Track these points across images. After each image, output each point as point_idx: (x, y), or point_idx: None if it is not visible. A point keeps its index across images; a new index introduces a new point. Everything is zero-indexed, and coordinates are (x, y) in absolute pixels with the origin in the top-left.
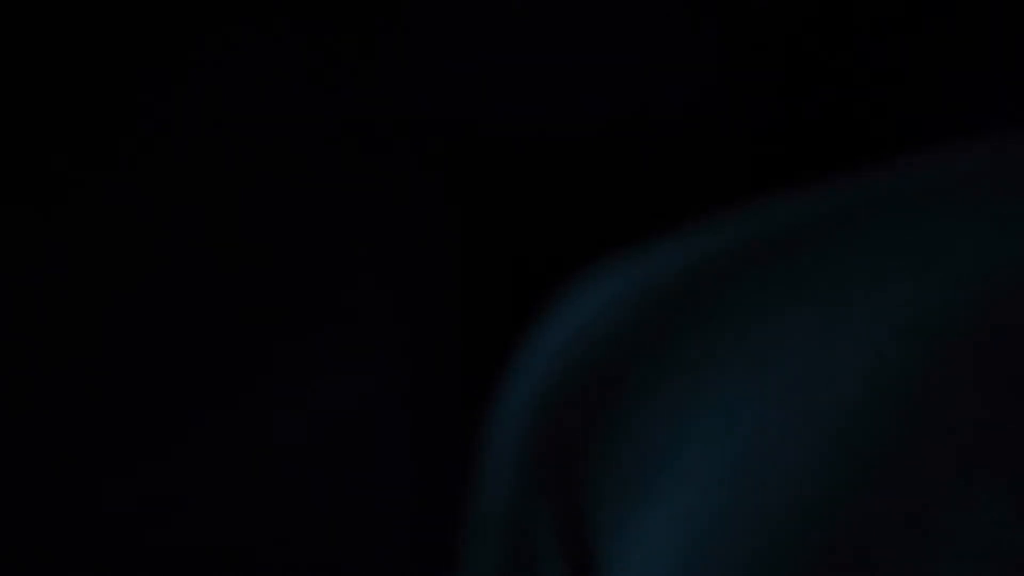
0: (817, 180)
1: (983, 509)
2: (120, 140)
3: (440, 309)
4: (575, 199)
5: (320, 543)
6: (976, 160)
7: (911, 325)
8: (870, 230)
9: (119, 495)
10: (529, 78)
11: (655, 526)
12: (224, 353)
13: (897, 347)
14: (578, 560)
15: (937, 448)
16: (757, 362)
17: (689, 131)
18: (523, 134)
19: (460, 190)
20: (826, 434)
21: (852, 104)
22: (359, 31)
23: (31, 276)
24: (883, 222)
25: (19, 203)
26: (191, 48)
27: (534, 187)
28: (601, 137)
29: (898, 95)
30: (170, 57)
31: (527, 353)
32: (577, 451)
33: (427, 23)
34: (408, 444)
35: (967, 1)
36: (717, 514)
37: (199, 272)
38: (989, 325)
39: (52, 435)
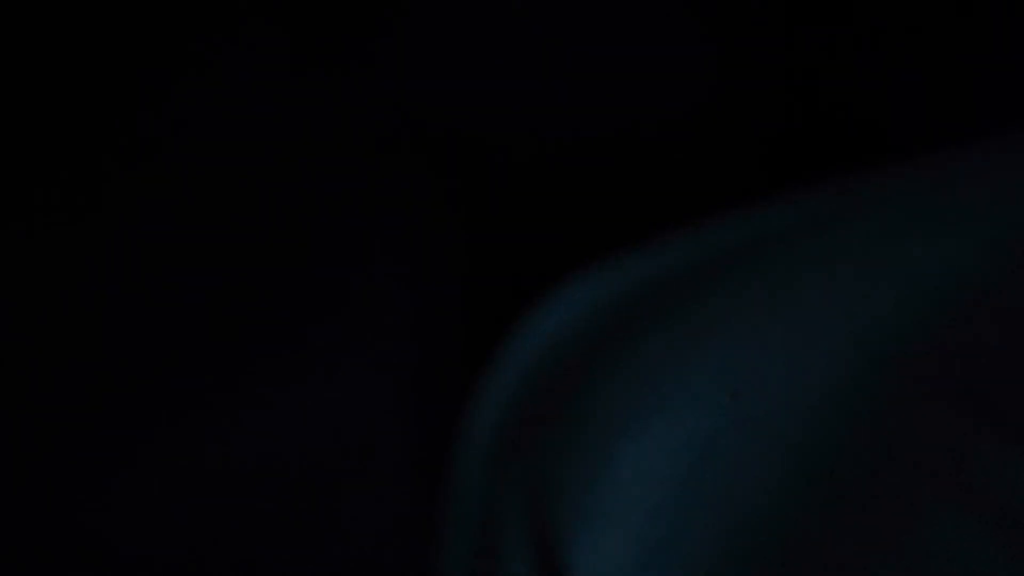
0: (815, 181)
1: (941, 524)
2: (120, 140)
3: (441, 311)
4: (575, 199)
5: (318, 544)
6: (975, 161)
7: (876, 338)
8: (851, 237)
9: (110, 499)
10: (529, 79)
11: (615, 525)
12: (223, 354)
13: (859, 360)
14: (544, 556)
15: (895, 463)
16: (721, 370)
17: (687, 133)
18: (522, 134)
19: (461, 193)
20: (783, 446)
21: (852, 104)
22: (363, 33)
23: (29, 274)
24: (867, 228)
25: (17, 202)
26: (196, 50)
27: (534, 188)
28: (601, 138)
29: (898, 95)
30: (173, 59)
31: (500, 359)
32: (542, 453)
33: (430, 28)
34: (409, 446)
35: (968, 1)
36: (675, 520)
37: (199, 274)
38: (956, 339)
39: (52, 433)
